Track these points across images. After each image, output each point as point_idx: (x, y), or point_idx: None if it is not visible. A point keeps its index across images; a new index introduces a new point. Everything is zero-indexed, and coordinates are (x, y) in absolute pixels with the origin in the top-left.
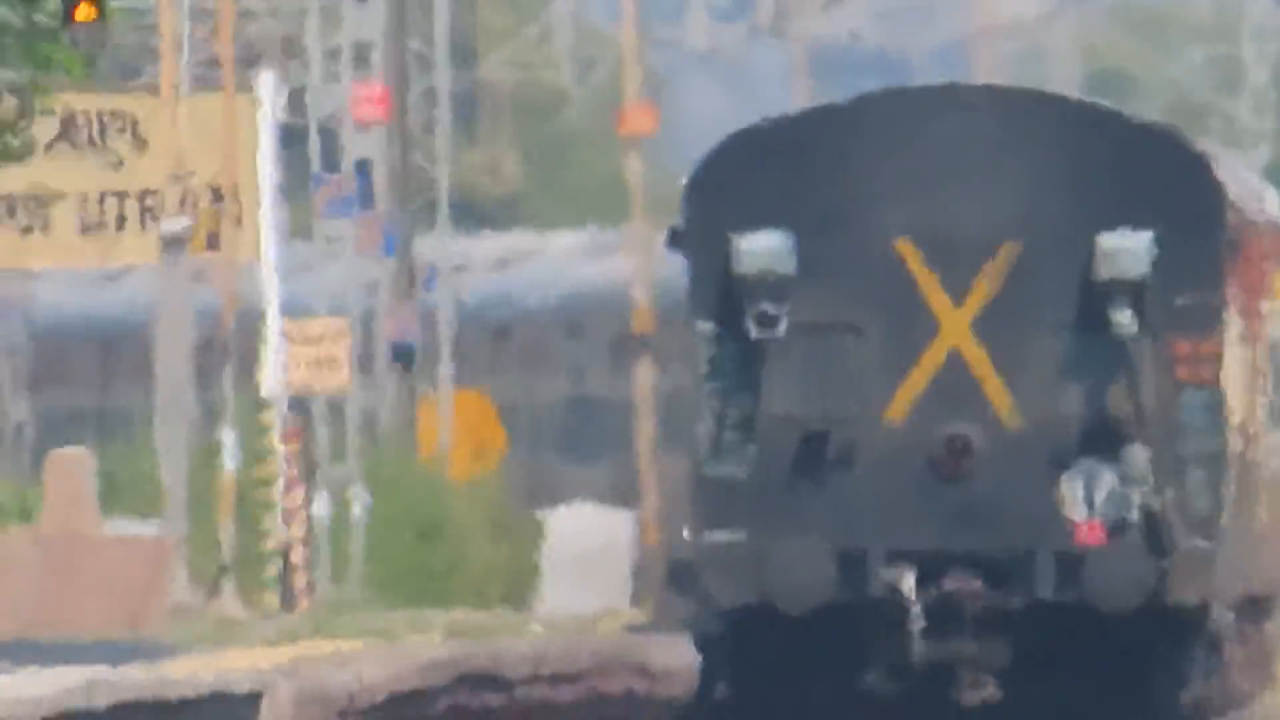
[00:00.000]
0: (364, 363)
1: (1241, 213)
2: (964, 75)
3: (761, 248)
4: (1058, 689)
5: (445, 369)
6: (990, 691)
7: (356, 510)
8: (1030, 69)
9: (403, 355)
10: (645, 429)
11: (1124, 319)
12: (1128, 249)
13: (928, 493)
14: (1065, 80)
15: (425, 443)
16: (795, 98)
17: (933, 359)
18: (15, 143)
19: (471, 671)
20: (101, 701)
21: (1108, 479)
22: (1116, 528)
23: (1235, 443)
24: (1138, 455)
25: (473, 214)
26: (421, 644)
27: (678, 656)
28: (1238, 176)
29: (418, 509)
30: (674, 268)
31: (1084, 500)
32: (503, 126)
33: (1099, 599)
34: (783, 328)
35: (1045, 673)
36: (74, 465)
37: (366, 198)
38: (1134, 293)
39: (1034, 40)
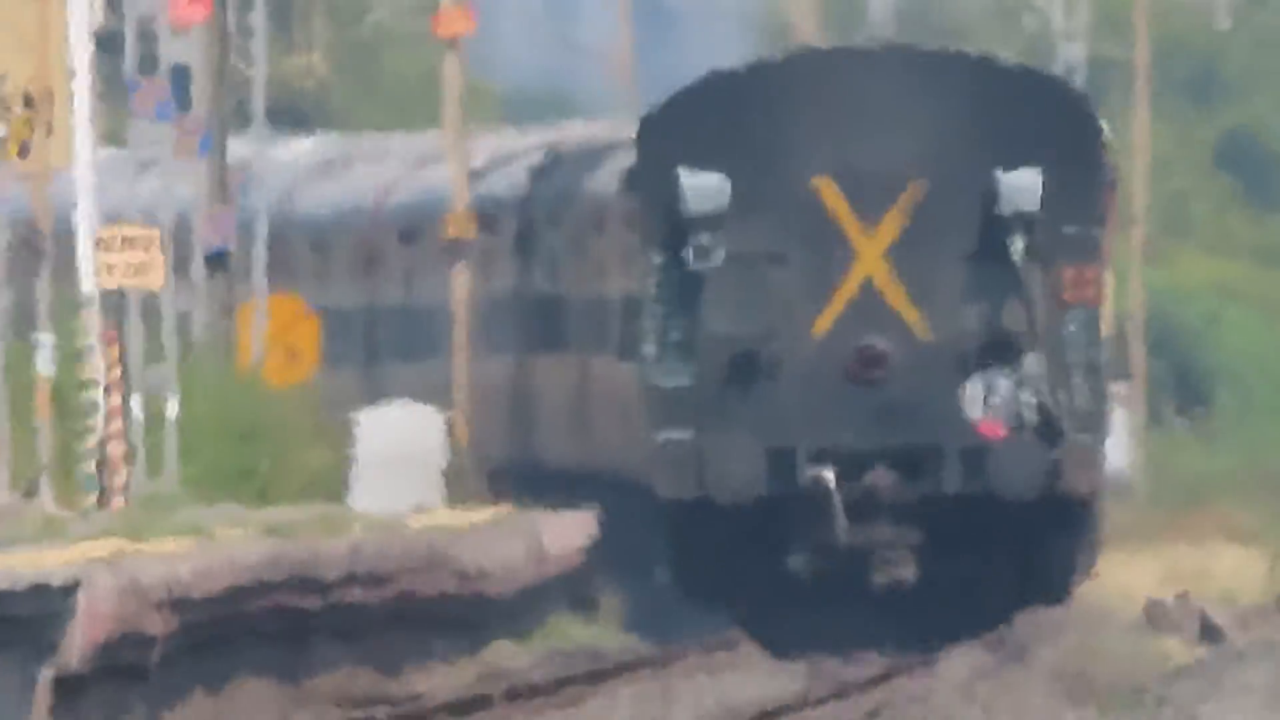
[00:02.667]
0: (180, 267)
1: (1113, 152)
2: None
3: (700, 187)
4: (963, 569)
5: (259, 274)
6: (904, 571)
7: (171, 412)
8: None
9: (217, 259)
10: (461, 332)
11: (1018, 247)
12: (1021, 185)
13: (847, 398)
14: None
15: (242, 347)
16: (620, 3)
17: (851, 282)
18: None
19: (288, 572)
20: None
21: (1005, 384)
22: (1013, 426)
23: (1107, 353)
24: (1031, 363)
25: (288, 117)
26: (238, 540)
27: (490, 555)
28: None
29: (233, 411)
30: (487, 176)
31: (984, 402)
32: (317, 28)
33: (999, 488)
34: (718, 258)
35: (953, 555)
36: None
37: (184, 101)
38: (1026, 224)
39: None
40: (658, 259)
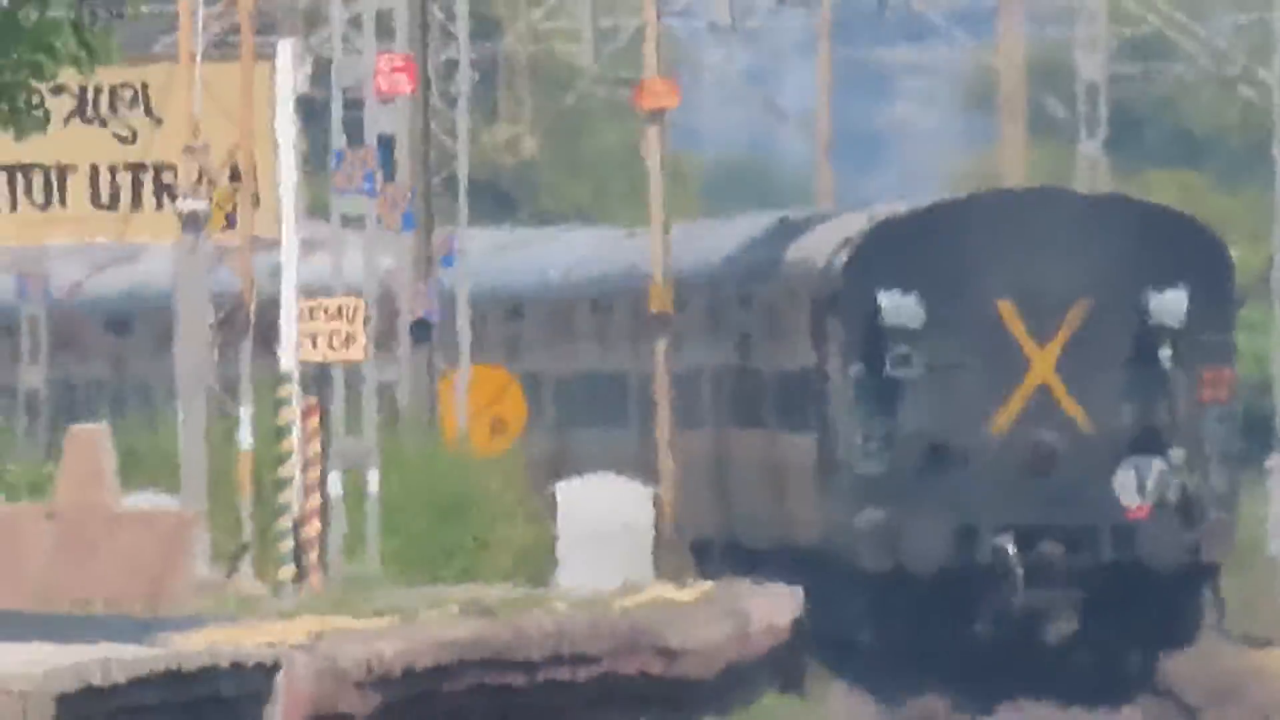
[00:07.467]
0: (382, 339)
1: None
2: (988, 35)
3: (898, 305)
4: (1118, 628)
5: (464, 345)
6: (1071, 629)
7: (372, 487)
8: (1058, 31)
9: (421, 332)
10: (663, 405)
11: (1165, 354)
12: (1168, 303)
13: (1022, 483)
14: (1094, 42)
15: (446, 418)
16: (819, 69)
17: (1026, 386)
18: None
19: (492, 651)
20: (119, 676)
21: (1154, 470)
22: (1160, 506)
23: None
24: (1176, 453)
25: (491, 189)
26: (439, 620)
27: (699, 634)
28: None
29: (436, 485)
30: (689, 250)
31: (1135, 487)
32: (521, 99)
33: (1148, 560)
34: (915, 367)
35: (1110, 616)
36: (93, 440)
37: (389, 172)
38: (1172, 335)
39: (1064, 2)
40: (858, 368)
